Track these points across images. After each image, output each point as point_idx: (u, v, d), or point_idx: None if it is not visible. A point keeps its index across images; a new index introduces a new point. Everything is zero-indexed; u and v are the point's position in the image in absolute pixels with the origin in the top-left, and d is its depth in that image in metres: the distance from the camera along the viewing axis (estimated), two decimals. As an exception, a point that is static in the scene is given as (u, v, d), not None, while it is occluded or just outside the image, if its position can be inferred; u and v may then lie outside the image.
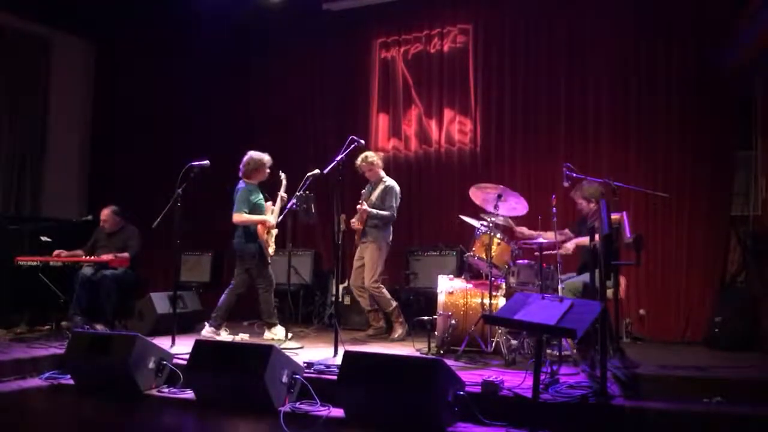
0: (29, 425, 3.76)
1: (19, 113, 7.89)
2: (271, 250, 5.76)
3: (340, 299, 6.49)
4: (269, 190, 5.92)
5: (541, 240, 4.94)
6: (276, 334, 5.72)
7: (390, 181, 6.03)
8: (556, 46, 6.65)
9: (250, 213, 5.64)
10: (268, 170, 5.78)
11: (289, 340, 5.35)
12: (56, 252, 6.21)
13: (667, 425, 3.33)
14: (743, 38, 5.41)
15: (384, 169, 6.14)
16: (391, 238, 5.99)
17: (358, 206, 5.86)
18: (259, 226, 5.64)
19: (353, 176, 6.25)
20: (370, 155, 6.01)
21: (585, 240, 5.06)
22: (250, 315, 7.32)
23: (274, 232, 5.85)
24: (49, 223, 6.90)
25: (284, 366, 3.91)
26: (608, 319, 3.85)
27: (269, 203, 5.83)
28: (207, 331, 5.65)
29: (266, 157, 5.77)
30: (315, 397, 3.85)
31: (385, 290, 5.89)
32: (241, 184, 5.78)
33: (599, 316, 3.40)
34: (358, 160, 5.96)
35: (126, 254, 6.25)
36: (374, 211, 5.84)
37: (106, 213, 6.56)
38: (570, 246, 5.26)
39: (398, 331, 5.81)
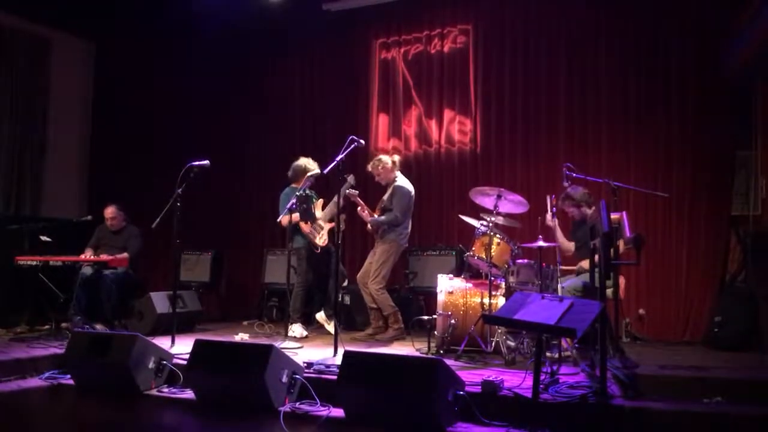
0: (29, 425, 3.76)
1: (19, 113, 7.88)
2: (320, 241, 5.98)
3: (340, 299, 6.50)
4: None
5: (541, 243, 4.94)
6: (293, 331, 5.82)
7: (399, 182, 5.91)
8: (556, 46, 6.65)
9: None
10: (313, 178, 5.84)
11: (304, 338, 5.72)
12: (85, 254, 6.28)
13: (667, 425, 3.33)
14: (744, 38, 5.41)
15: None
16: (405, 240, 5.93)
17: (359, 210, 5.86)
18: (301, 223, 5.88)
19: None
20: (382, 158, 5.96)
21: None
22: (250, 315, 7.35)
23: (327, 226, 6.06)
24: (49, 223, 6.89)
25: (284, 366, 3.91)
26: (608, 319, 3.85)
27: (320, 200, 6.16)
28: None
29: (310, 165, 6.00)
30: (315, 397, 3.85)
31: (386, 295, 5.84)
32: (286, 189, 6.08)
33: (599, 316, 3.40)
34: (370, 165, 5.94)
35: (125, 254, 6.24)
36: (371, 218, 5.82)
37: (112, 210, 6.52)
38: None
39: (389, 334, 5.75)
